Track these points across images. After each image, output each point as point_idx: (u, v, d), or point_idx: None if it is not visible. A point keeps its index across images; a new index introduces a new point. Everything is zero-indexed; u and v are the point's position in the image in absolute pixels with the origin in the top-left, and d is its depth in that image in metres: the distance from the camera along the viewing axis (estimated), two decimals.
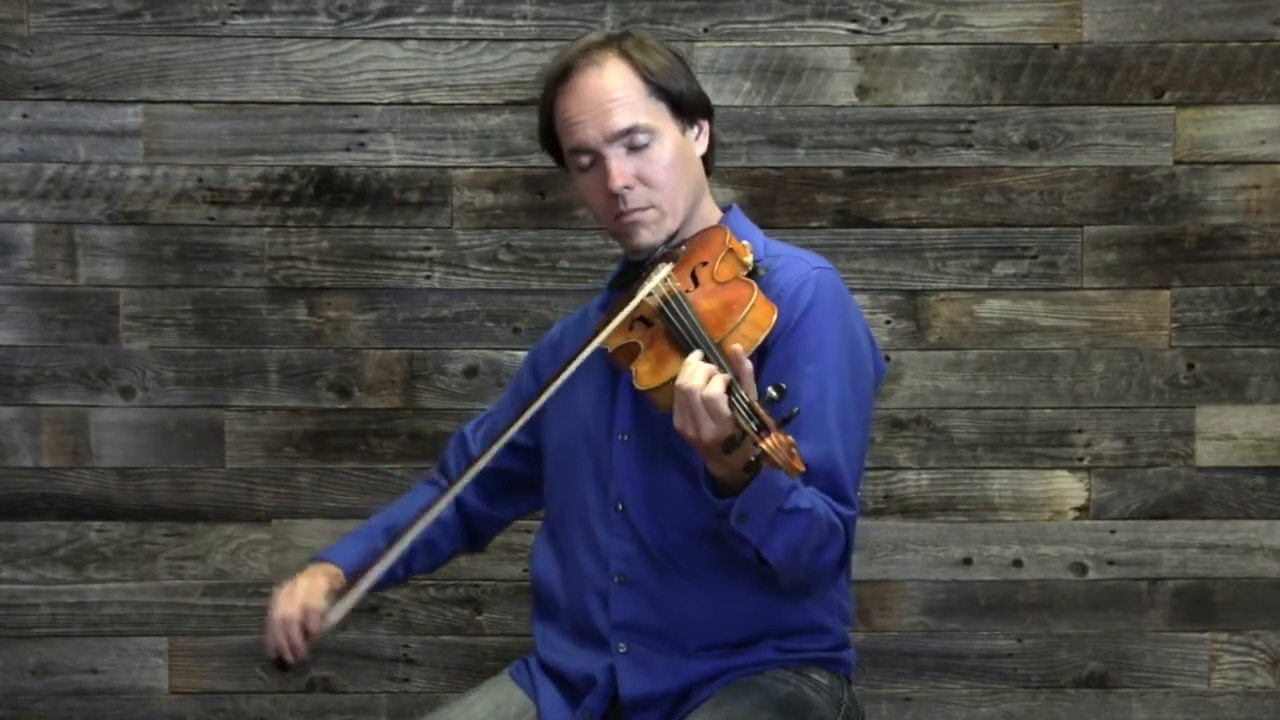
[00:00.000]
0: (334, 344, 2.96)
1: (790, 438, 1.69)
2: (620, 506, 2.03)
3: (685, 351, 1.86)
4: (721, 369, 1.79)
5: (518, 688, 2.11)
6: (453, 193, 2.95)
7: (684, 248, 2.04)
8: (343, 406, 2.96)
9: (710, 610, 2.00)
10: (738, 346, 1.81)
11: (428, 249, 2.95)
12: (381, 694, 2.98)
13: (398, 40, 2.93)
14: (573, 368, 1.97)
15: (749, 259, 1.99)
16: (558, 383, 1.97)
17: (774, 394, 1.72)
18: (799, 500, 1.85)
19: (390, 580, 2.13)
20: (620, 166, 2.00)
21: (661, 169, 2.01)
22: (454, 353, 2.96)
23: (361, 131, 2.93)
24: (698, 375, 1.77)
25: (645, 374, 1.91)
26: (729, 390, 1.74)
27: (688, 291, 1.95)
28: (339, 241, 2.95)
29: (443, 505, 2.02)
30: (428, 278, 2.95)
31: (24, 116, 2.91)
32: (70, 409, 2.94)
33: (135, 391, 2.94)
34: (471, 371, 2.96)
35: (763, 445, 1.68)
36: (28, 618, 2.96)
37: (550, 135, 2.09)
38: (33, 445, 2.94)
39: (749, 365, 1.80)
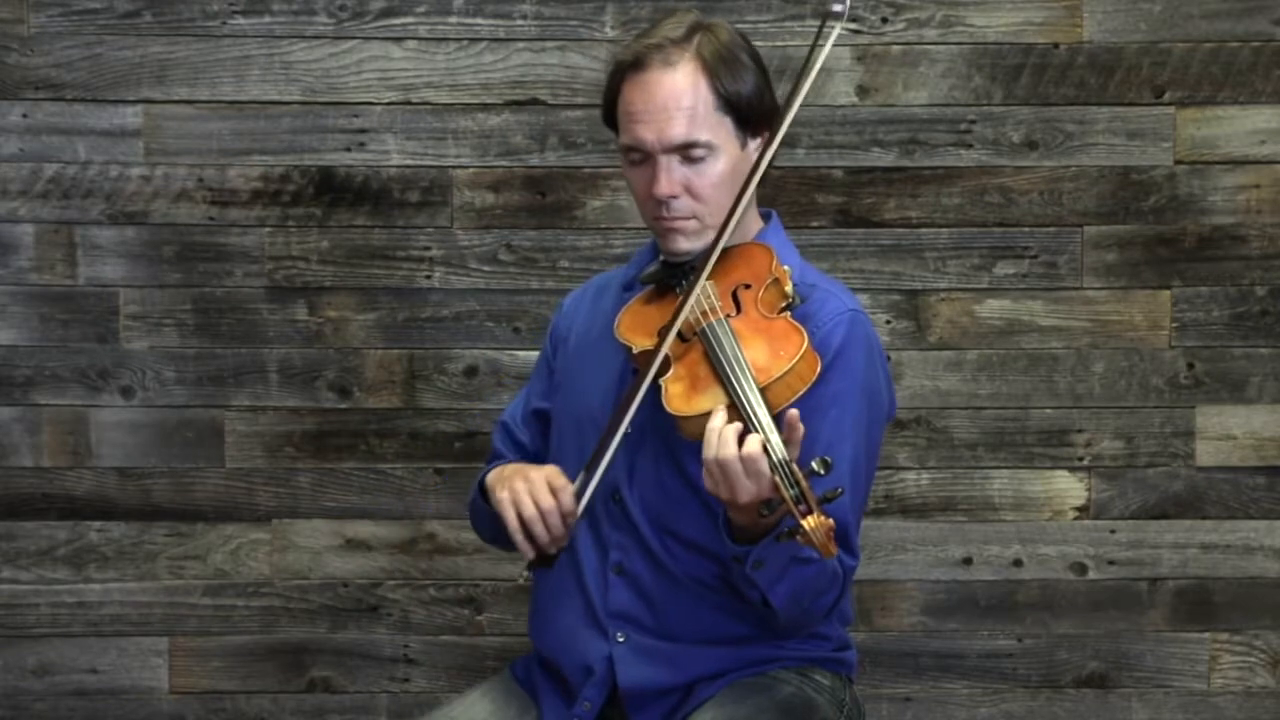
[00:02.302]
0: (334, 344, 2.96)
1: (831, 521, 1.66)
2: (617, 497, 2.02)
3: (724, 386, 1.81)
4: (755, 418, 1.75)
5: (518, 687, 2.11)
6: (453, 193, 2.95)
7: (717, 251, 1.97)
8: (343, 406, 2.96)
9: (706, 612, 2.00)
10: (793, 411, 1.75)
11: (428, 249, 2.95)
12: (381, 694, 2.98)
13: (398, 40, 2.93)
14: (645, 387, 1.89)
15: (790, 289, 1.94)
16: (636, 402, 1.89)
17: (818, 468, 1.68)
18: (811, 550, 1.83)
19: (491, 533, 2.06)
20: (669, 176, 1.95)
21: (711, 185, 1.96)
22: (454, 353, 2.96)
23: (361, 131, 2.93)
24: (729, 442, 1.73)
25: (677, 397, 1.85)
26: (766, 450, 1.71)
27: (729, 316, 1.90)
28: (339, 241, 2.95)
29: (622, 430, 1.90)
30: (428, 278, 2.95)
31: (24, 116, 2.91)
32: (70, 409, 2.94)
33: (135, 391, 2.94)
34: (471, 371, 2.96)
35: (803, 524, 1.64)
36: (28, 618, 2.96)
37: (611, 114, 2.03)
38: (33, 445, 2.94)
39: (801, 429, 1.75)
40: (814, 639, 2.05)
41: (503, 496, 1.93)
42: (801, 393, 1.81)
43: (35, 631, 2.96)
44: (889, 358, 2.88)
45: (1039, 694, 2.99)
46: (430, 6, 2.93)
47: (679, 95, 1.94)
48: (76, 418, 2.94)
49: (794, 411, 1.75)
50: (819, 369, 1.84)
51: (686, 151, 1.95)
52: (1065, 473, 2.97)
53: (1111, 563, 2.98)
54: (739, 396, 1.78)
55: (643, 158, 1.97)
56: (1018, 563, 2.98)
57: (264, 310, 2.95)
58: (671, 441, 1.89)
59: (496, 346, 2.96)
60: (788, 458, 1.71)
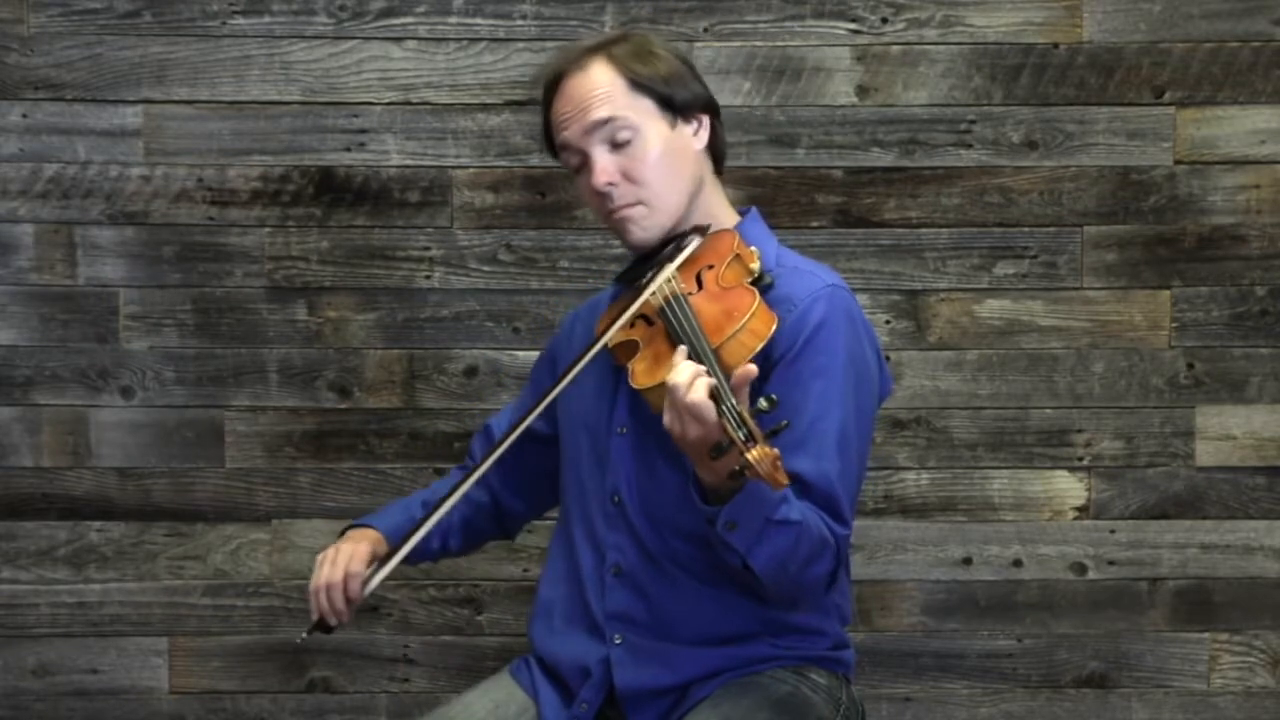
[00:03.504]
0: (334, 344, 2.96)
1: (776, 451, 1.68)
2: (616, 499, 2.04)
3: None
4: (712, 373, 1.78)
5: (518, 686, 2.11)
6: (453, 193, 2.95)
7: (692, 245, 2.03)
8: (343, 406, 2.96)
9: (703, 610, 2.00)
10: (746, 364, 1.79)
11: (428, 249, 2.95)
12: (381, 694, 2.98)
13: (398, 40, 2.93)
14: (582, 364, 1.97)
15: (755, 265, 1.98)
16: (569, 377, 1.98)
17: (764, 405, 1.71)
18: (788, 512, 1.84)
19: (426, 554, 2.15)
20: (604, 164, 2.01)
21: (647, 166, 2.01)
22: (454, 353, 2.96)
23: (361, 131, 2.93)
24: (683, 375, 1.76)
25: (641, 373, 1.92)
26: (715, 397, 1.73)
27: (690, 294, 1.95)
28: (339, 241, 2.95)
29: (474, 479, 2.02)
30: (428, 278, 2.95)
31: (24, 116, 2.92)
32: (70, 409, 2.94)
33: (135, 391, 2.94)
34: (471, 371, 2.96)
35: (748, 455, 1.67)
36: (28, 618, 2.96)
37: (550, 139, 2.11)
38: (33, 445, 2.94)
39: (750, 377, 1.77)
40: (810, 635, 2.05)
41: (319, 557, 2.10)
42: (758, 348, 1.86)
43: (35, 631, 2.96)
44: (888, 358, 2.91)
45: (1039, 694, 2.99)
46: (430, 6, 2.93)
47: (592, 87, 2.02)
48: (76, 418, 2.94)
49: (748, 365, 1.78)
50: (774, 325, 1.89)
51: (611, 134, 2.01)
52: (1065, 473, 2.97)
53: (1111, 563, 2.98)
54: (693, 357, 1.83)
55: (580, 160, 2.04)
56: (1018, 563, 2.98)
57: (264, 310, 2.95)
58: (664, 435, 1.90)
59: (496, 346, 2.96)
60: (737, 403, 1.73)
